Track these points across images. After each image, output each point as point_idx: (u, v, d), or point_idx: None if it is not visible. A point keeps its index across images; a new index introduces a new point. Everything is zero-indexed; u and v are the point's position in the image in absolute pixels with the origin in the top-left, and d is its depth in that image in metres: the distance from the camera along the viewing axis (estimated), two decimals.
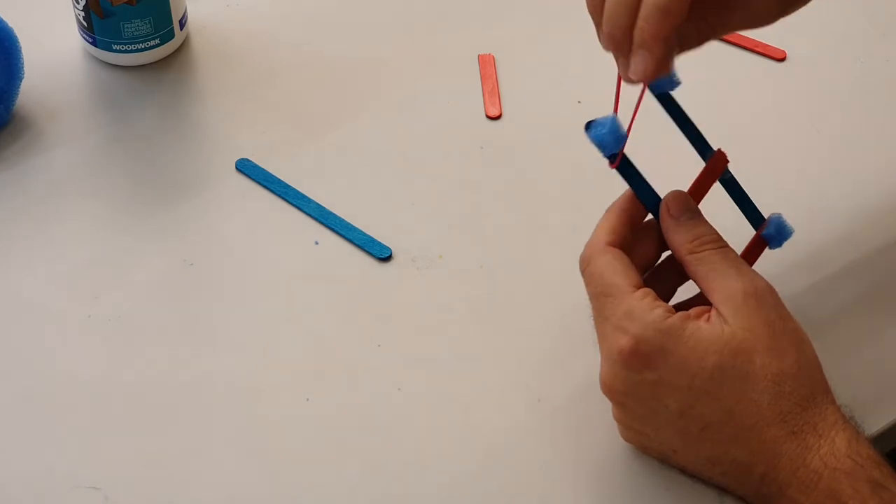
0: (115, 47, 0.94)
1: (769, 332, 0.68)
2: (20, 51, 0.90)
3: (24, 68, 0.91)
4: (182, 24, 0.96)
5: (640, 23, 0.67)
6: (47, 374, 0.78)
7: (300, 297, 0.82)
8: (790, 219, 0.78)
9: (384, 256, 0.84)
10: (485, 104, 0.94)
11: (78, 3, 0.93)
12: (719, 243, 0.72)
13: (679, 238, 0.72)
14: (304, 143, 0.91)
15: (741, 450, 0.68)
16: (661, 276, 0.75)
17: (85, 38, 0.95)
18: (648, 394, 0.69)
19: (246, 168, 0.89)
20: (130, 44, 0.94)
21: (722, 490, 0.72)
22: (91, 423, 0.76)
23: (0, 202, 0.87)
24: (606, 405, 0.74)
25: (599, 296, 0.71)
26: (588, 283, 0.72)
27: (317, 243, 0.85)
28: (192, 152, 0.91)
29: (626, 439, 0.74)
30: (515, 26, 0.99)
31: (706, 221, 0.73)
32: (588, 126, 0.72)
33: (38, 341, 0.80)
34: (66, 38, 0.97)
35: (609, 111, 0.72)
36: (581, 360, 0.78)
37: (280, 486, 0.73)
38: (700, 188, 0.76)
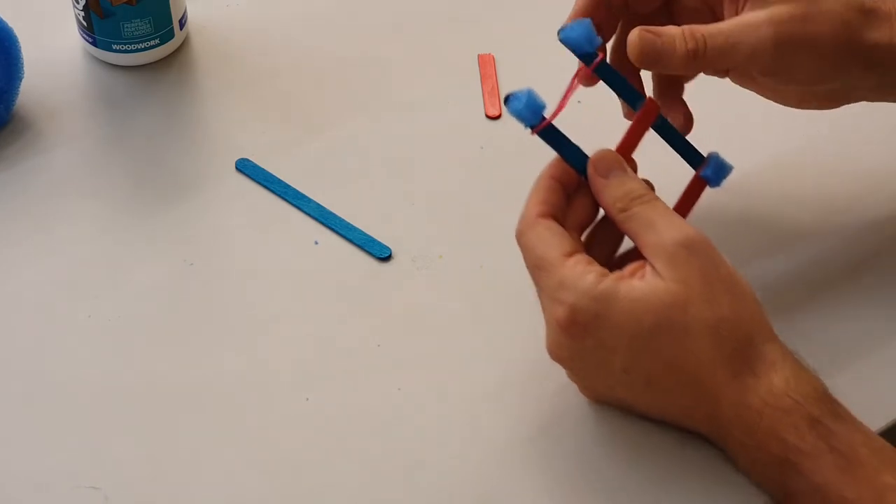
0: (115, 47, 0.94)
1: (702, 281, 0.69)
2: (20, 51, 0.90)
3: (24, 68, 0.91)
4: (182, 24, 0.96)
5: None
6: (47, 374, 0.78)
7: (300, 297, 0.82)
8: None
9: (384, 256, 0.84)
10: (485, 104, 0.94)
11: (78, 3, 0.93)
12: (648, 197, 0.72)
13: (608, 197, 0.73)
14: (304, 143, 0.91)
15: (686, 397, 0.71)
16: (603, 233, 0.76)
17: (85, 38, 0.95)
18: (591, 357, 0.71)
19: (246, 168, 0.89)
20: (130, 44, 0.94)
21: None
22: (91, 423, 0.76)
23: (0, 202, 0.87)
24: (611, 407, 0.75)
25: (534, 269, 0.72)
26: (524, 258, 0.73)
27: (317, 243, 0.85)
28: (192, 152, 0.91)
29: (586, 395, 0.76)
30: (515, 26, 0.99)
31: (635, 177, 0.74)
32: (506, 100, 0.74)
33: (38, 341, 0.80)
34: (66, 38, 0.97)
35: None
36: None
37: (280, 486, 0.73)
38: (632, 140, 0.76)
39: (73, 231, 0.86)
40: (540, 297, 0.73)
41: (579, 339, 0.70)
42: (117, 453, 0.75)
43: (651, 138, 0.77)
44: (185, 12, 0.96)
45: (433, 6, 1.01)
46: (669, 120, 0.77)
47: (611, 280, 0.70)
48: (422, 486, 0.73)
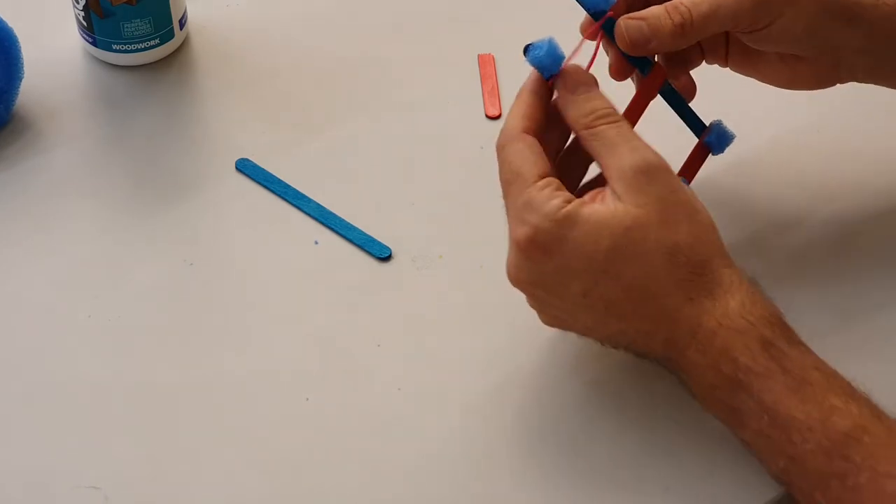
0: (115, 47, 0.94)
1: (660, 206, 0.70)
2: (20, 51, 0.90)
3: (24, 68, 0.91)
4: (182, 23, 0.96)
5: None
6: (47, 374, 0.78)
7: (300, 297, 0.82)
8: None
9: (384, 256, 0.84)
10: (485, 104, 0.94)
11: (78, 3, 0.93)
12: (613, 118, 0.73)
13: (574, 113, 0.73)
14: (304, 143, 0.91)
15: (643, 321, 0.71)
16: (573, 157, 0.76)
17: (85, 38, 0.95)
18: (551, 281, 0.72)
19: (246, 168, 0.89)
20: (130, 44, 0.94)
21: None
22: (91, 423, 0.76)
23: (0, 202, 0.87)
24: (610, 407, 0.75)
25: (506, 183, 0.73)
26: (500, 169, 0.73)
27: (317, 243, 0.85)
28: (192, 152, 0.91)
29: (546, 323, 0.76)
30: (515, 26, 0.99)
31: (602, 95, 0.74)
32: (526, 50, 0.74)
33: (38, 341, 0.80)
34: (66, 38, 0.97)
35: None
36: (580, 360, 0.78)
37: (280, 486, 0.73)
38: (639, 103, 0.77)
39: (73, 231, 0.86)
40: (507, 214, 0.73)
41: (538, 262, 0.71)
42: (117, 453, 0.75)
43: (656, 112, 0.77)
44: (185, 12, 0.96)
45: (433, 6, 1.01)
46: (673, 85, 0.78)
47: (574, 205, 0.70)
48: (422, 486, 0.73)
